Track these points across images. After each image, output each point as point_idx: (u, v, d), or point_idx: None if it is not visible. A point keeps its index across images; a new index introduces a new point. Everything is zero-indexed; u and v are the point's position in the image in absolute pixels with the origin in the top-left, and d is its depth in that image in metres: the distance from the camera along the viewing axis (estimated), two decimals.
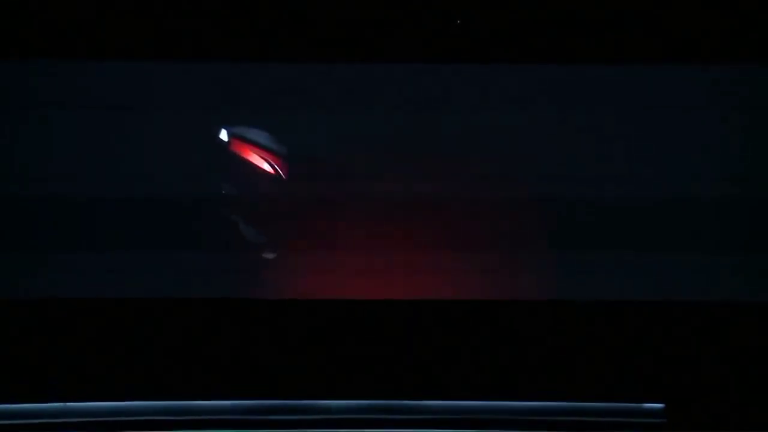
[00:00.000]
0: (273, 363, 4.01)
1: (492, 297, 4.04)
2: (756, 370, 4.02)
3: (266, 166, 4.10)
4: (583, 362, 4.02)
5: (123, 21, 4.02)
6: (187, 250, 4.04)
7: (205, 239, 4.06)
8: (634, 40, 4.03)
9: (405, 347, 4.02)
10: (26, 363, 3.95)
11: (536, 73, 4.06)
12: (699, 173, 4.06)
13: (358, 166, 4.09)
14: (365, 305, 4.02)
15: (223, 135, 4.08)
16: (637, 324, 4.04)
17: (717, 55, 4.02)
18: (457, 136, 4.07)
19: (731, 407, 3.97)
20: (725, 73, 4.05)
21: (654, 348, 4.03)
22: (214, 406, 3.96)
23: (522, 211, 4.06)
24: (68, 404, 3.92)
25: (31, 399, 3.91)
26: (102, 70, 4.03)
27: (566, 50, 4.03)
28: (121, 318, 4.00)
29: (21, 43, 4.00)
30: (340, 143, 4.10)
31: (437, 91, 4.08)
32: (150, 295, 4.01)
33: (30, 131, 4.03)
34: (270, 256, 4.12)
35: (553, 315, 4.03)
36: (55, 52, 4.00)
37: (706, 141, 4.06)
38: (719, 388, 4.00)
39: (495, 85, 4.08)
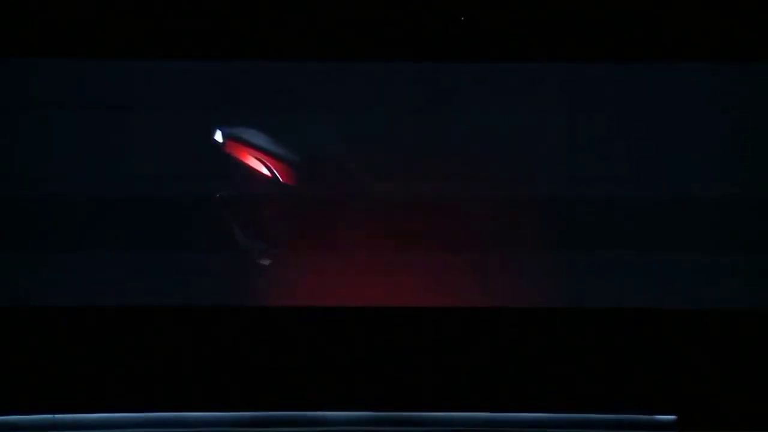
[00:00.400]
0: (270, 373, 3.95)
1: (492, 304, 3.99)
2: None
3: (262, 168, 4.04)
4: (593, 372, 3.95)
5: (123, 20, 4.00)
6: (185, 250, 4.00)
7: (205, 240, 4.02)
8: (634, 38, 4.00)
9: (404, 356, 3.96)
10: (15, 373, 3.90)
11: (534, 71, 4.01)
12: (698, 173, 4.02)
13: (359, 166, 4.05)
14: (363, 312, 3.96)
15: (218, 136, 4.03)
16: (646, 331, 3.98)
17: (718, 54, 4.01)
18: (455, 135, 4.04)
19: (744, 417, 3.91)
20: (725, 72, 4.02)
21: (663, 356, 3.97)
22: (210, 418, 3.89)
23: (521, 211, 4.01)
24: (57, 416, 3.86)
25: (20, 411, 3.86)
26: (102, 70, 4.01)
27: (565, 48, 4.01)
28: (111, 327, 3.94)
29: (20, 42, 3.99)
30: (340, 143, 4.07)
31: (435, 90, 4.05)
32: (145, 297, 3.96)
33: (29, 131, 4.02)
34: (266, 259, 4.06)
35: (557, 322, 3.97)
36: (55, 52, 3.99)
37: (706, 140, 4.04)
38: (731, 398, 3.94)
39: (493, 84, 4.05)
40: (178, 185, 4.00)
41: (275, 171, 4.05)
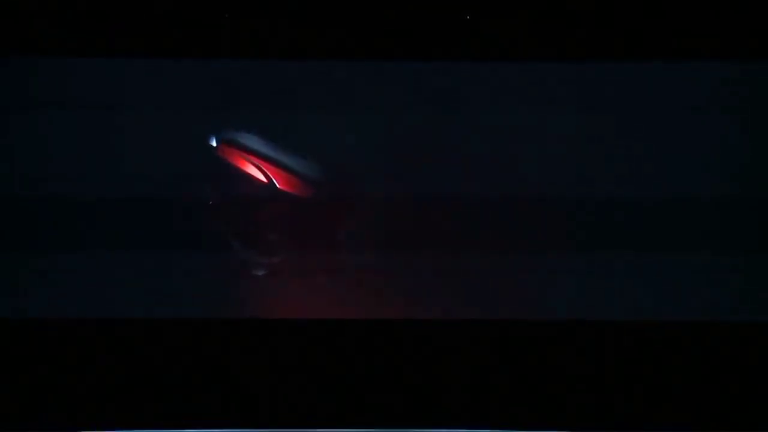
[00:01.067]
0: (268, 389, 3.87)
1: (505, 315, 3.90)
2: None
3: (257, 171, 3.95)
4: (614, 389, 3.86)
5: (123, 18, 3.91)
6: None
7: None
8: (635, 37, 3.90)
9: (408, 371, 3.87)
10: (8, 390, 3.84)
11: (534, 71, 3.93)
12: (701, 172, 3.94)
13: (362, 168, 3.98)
14: (365, 325, 3.88)
15: (213, 140, 3.94)
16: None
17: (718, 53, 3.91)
18: (459, 136, 3.97)
19: None
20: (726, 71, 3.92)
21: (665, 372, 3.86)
22: None
23: (527, 212, 3.94)
24: None
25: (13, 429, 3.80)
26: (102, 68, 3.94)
27: (566, 47, 3.93)
28: (106, 341, 3.86)
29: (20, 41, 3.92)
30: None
31: (439, 89, 3.97)
32: (144, 303, 3.89)
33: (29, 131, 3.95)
34: (260, 268, 3.97)
35: (574, 336, 3.87)
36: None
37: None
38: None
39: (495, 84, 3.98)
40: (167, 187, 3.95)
41: (271, 175, 3.96)
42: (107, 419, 3.80)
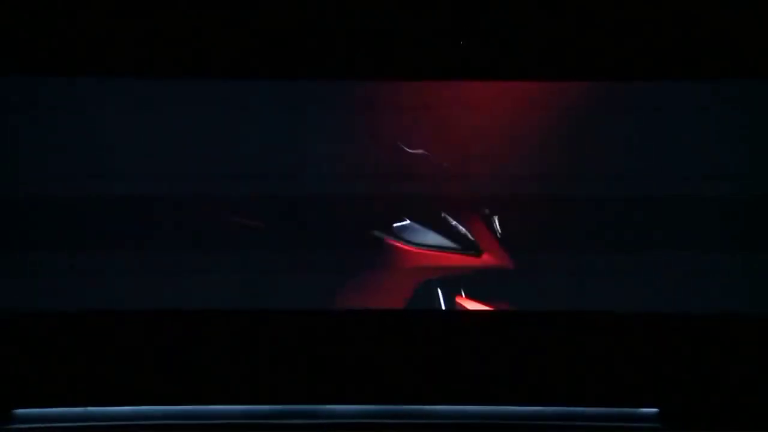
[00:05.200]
0: (279, 369, 4.08)
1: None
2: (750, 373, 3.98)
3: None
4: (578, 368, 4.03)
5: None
6: None
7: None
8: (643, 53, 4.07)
9: (410, 354, 4.08)
10: (49, 370, 4.04)
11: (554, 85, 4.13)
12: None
13: None
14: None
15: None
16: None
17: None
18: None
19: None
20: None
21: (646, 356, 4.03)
22: (225, 411, 4.03)
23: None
24: (89, 408, 4.01)
25: (54, 403, 4.01)
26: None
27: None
28: (139, 328, 4.09)
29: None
30: None
31: None
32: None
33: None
34: None
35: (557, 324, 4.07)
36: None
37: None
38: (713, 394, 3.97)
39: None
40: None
41: None
42: None
